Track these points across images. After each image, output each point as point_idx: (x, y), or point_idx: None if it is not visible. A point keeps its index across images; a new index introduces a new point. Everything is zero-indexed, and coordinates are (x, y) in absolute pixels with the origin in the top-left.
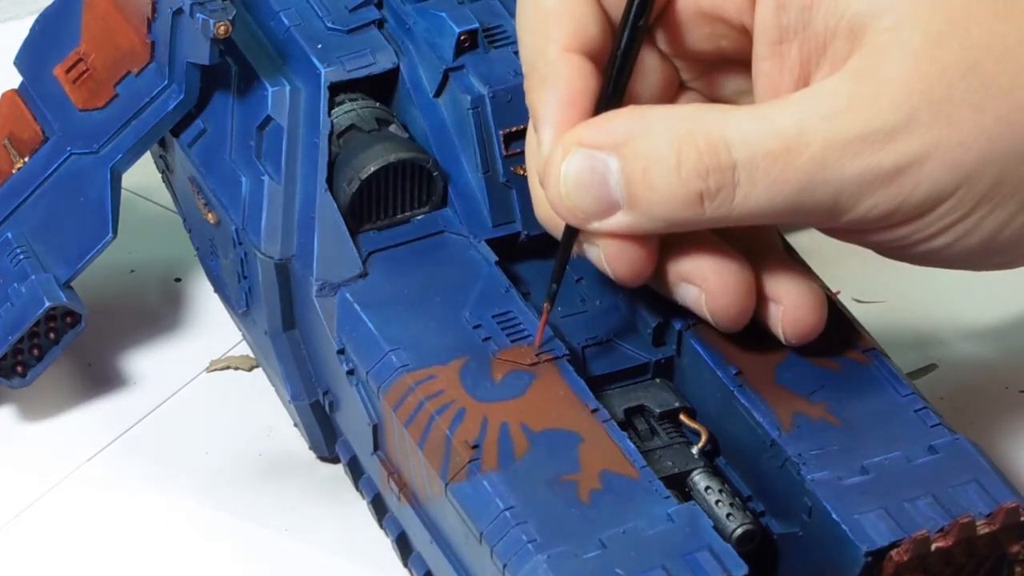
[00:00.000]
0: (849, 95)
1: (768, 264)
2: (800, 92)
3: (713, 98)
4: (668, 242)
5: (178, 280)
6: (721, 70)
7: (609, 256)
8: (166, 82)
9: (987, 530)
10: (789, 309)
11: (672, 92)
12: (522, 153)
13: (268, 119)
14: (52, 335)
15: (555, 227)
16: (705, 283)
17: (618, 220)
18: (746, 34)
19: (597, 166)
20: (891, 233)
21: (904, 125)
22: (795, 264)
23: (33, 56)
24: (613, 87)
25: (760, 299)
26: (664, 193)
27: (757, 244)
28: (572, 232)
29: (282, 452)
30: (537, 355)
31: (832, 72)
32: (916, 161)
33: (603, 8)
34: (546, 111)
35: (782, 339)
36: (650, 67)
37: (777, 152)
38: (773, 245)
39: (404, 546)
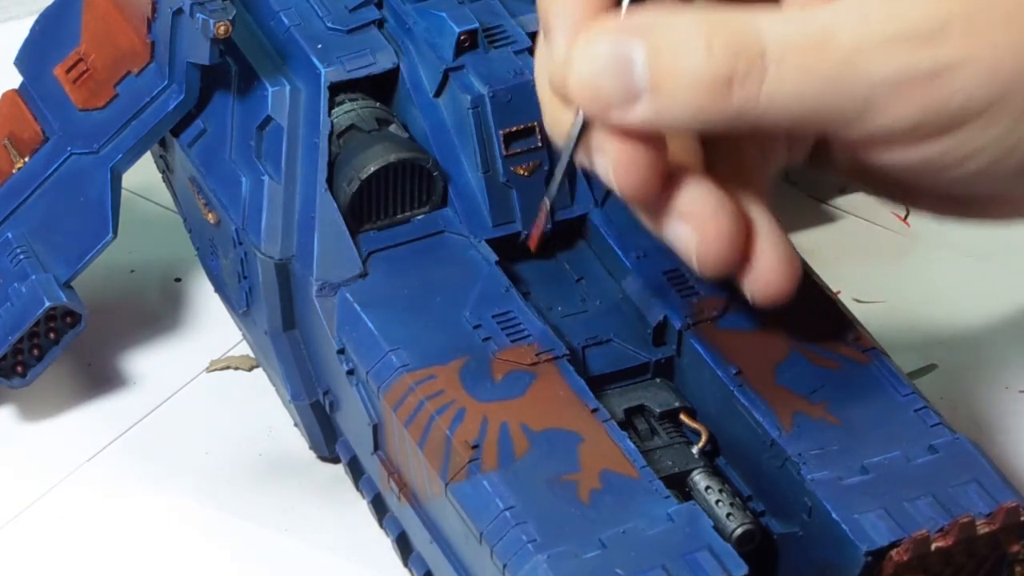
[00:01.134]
0: (881, 2)
1: (751, 218)
2: (830, 4)
3: None
4: (669, 174)
5: (178, 280)
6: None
7: (618, 163)
8: (166, 82)
9: (987, 530)
10: (763, 272)
11: None
12: (522, 153)
13: (268, 119)
14: (52, 335)
15: (562, 133)
16: (700, 225)
17: (640, 110)
18: None
19: (621, 51)
20: (927, 148)
21: (939, 31)
22: (776, 225)
23: (33, 56)
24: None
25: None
26: (691, 76)
27: (747, 195)
28: (583, 129)
29: (282, 452)
30: (537, 355)
31: None
32: (952, 66)
33: None
34: (559, 9)
35: (749, 299)
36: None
37: (808, 44)
38: (762, 201)
39: (404, 546)
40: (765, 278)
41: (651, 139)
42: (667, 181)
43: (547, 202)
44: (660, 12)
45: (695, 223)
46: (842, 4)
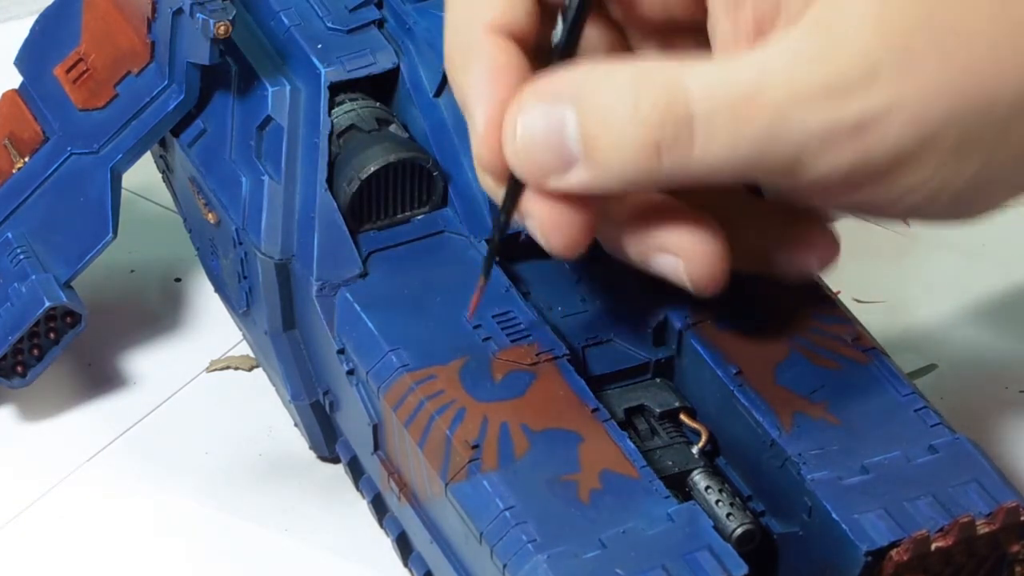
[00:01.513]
0: (809, 47)
1: (763, 216)
2: (759, 48)
3: None
4: (641, 213)
5: (178, 280)
6: (673, 39)
7: (544, 224)
8: (166, 82)
9: (987, 530)
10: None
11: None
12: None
13: (268, 119)
14: (52, 335)
15: (498, 195)
16: (683, 252)
17: (575, 176)
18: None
19: (553, 119)
20: (860, 194)
21: (866, 77)
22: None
23: (33, 56)
24: (560, 54)
25: (774, 249)
26: (620, 143)
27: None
28: (512, 197)
29: (282, 452)
30: (537, 355)
31: (788, 28)
32: (880, 115)
33: None
34: (474, 87)
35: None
36: (596, 37)
37: (737, 102)
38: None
39: (404, 546)
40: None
41: (580, 202)
42: (637, 218)
43: (483, 280)
44: (590, 68)
45: (677, 251)
46: (772, 48)
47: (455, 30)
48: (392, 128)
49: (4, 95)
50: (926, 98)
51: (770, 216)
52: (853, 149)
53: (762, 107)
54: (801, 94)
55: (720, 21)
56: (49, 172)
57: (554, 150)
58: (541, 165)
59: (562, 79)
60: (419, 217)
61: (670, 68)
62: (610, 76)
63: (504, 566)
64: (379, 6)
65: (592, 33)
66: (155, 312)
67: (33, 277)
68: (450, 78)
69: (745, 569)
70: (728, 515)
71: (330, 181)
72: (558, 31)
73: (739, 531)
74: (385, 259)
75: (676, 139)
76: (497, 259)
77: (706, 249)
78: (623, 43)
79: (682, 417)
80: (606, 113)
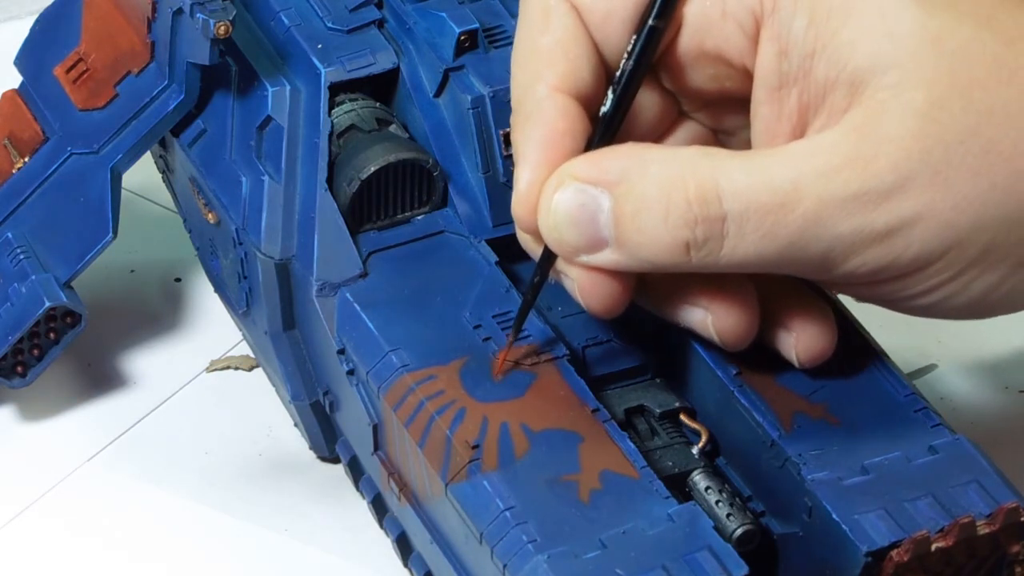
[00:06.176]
0: (847, 152)
1: (775, 289)
2: (797, 143)
3: (714, 128)
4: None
5: (178, 280)
6: (723, 107)
7: (583, 289)
8: (166, 82)
9: (987, 530)
10: (802, 336)
11: (669, 122)
12: None
13: (268, 119)
14: (52, 335)
15: (536, 254)
16: (711, 305)
17: (605, 257)
18: (749, 76)
19: (588, 202)
20: (879, 289)
21: (900, 186)
22: (801, 287)
23: (33, 56)
24: (607, 124)
25: (771, 325)
26: (651, 238)
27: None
28: (547, 260)
29: (282, 452)
30: (537, 355)
31: (829, 122)
32: (909, 223)
33: (599, 53)
34: (526, 149)
35: (796, 364)
36: (649, 101)
37: (769, 207)
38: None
39: (404, 546)
40: (804, 344)
41: (615, 271)
42: (673, 274)
43: (511, 336)
44: (629, 155)
45: (705, 304)
46: (807, 153)
47: (519, 85)
48: (392, 128)
49: (4, 95)
50: (955, 208)
51: (781, 296)
52: (880, 252)
53: (794, 212)
54: (834, 201)
55: (763, 104)
56: (49, 172)
57: (585, 232)
58: (572, 244)
59: (601, 162)
60: (419, 217)
61: (706, 164)
62: (647, 168)
63: (504, 566)
64: (379, 6)
65: (644, 97)
66: (155, 312)
67: (33, 277)
68: (511, 135)
69: (745, 569)
70: (728, 515)
71: (330, 181)
72: (607, 101)
73: (739, 531)
74: (385, 259)
75: (706, 238)
76: (497, 259)
77: (735, 304)
78: (675, 107)
79: (682, 417)
80: (639, 205)
